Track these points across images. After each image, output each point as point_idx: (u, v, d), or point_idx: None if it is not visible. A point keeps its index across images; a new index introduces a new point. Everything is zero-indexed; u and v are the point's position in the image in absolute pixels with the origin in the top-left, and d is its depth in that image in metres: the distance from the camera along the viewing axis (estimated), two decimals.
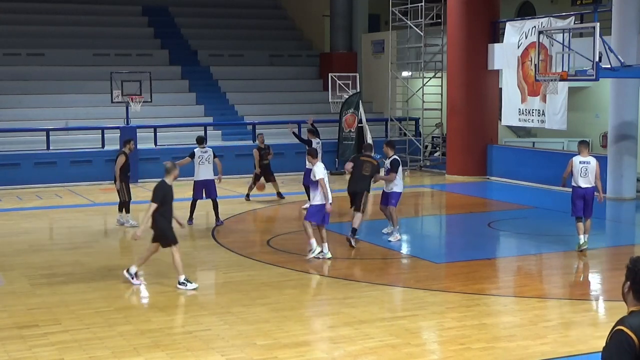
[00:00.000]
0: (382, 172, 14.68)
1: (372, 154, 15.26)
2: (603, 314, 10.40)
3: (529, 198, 20.23)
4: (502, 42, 23.01)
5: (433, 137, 28.16)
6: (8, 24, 28.69)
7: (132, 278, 11.40)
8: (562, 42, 16.31)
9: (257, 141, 20.22)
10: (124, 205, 16.12)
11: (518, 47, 21.92)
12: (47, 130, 23.46)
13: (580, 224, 13.54)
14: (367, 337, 9.02)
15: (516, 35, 22.15)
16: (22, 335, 9.14)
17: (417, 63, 27.24)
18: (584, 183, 13.46)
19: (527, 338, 9.02)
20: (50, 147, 23.26)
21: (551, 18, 20.89)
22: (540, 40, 17.03)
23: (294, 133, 19.62)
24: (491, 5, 23.84)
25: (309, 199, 18.12)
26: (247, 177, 22.88)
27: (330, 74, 26.79)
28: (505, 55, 22.73)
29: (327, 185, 12.80)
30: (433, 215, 19.44)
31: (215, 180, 16.30)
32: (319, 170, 12.79)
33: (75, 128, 24.75)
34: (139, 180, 22.01)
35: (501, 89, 23.41)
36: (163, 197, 11.16)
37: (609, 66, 15.96)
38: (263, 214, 18.24)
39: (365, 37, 30.91)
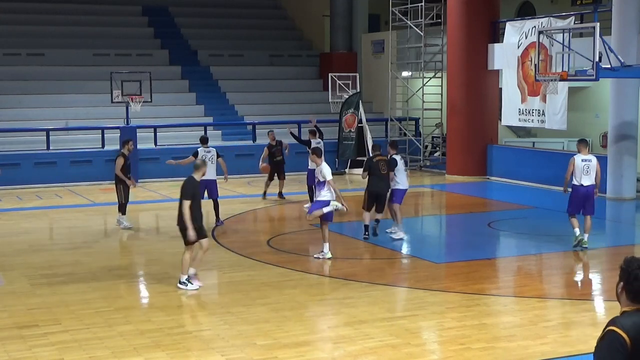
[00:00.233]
0: None
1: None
2: (603, 314, 10.39)
3: (529, 198, 20.23)
4: (502, 42, 23.01)
5: (433, 137, 28.16)
6: (8, 24, 28.68)
7: (188, 284, 11.18)
8: (562, 42, 16.31)
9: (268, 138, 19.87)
10: (122, 206, 16.07)
11: (518, 47, 21.93)
12: (47, 130, 23.46)
13: (574, 220, 13.67)
14: (367, 337, 9.02)
15: (516, 35, 22.15)
16: (22, 335, 9.14)
17: (417, 63, 27.24)
18: (586, 181, 13.53)
19: (527, 338, 9.02)
20: (50, 147, 23.26)
21: (551, 18, 20.90)
22: (540, 40, 17.03)
23: (292, 134, 19.58)
24: (491, 5, 23.85)
25: (311, 200, 18.19)
26: (247, 177, 22.92)
27: (330, 74, 26.80)
28: (505, 55, 22.74)
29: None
30: (433, 215, 19.44)
31: (222, 180, 16.29)
32: (328, 171, 12.75)
33: (75, 128, 24.75)
34: (139, 180, 21.99)
35: (501, 89, 23.41)
36: (192, 194, 11.13)
37: (609, 66, 15.96)
38: (263, 214, 18.24)
39: (365, 37, 30.92)
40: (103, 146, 23.67)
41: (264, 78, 29.81)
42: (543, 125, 21.53)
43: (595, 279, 12.66)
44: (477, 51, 23.50)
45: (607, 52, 15.93)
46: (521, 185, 22.27)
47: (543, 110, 21.27)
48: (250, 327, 9.46)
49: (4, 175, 21.68)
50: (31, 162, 22.64)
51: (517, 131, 27.98)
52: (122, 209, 16.06)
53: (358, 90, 26.53)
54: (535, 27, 20.23)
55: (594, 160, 13.63)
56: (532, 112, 21.70)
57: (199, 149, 16.25)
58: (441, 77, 26.38)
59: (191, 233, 10.99)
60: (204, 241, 11.22)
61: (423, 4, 25.74)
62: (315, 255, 13.05)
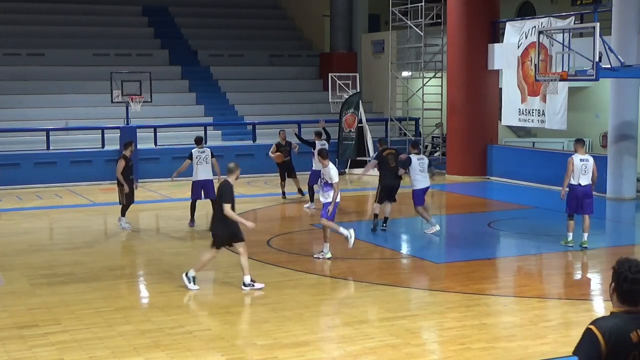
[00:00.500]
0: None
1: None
2: (603, 314, 10.38)
3: (529, 198, 20.23)
4: (502, 42, 23.01)
5: (433, 137, 28.15)
6: (8, 24, 28.68)
7: (252, 286, 11.11)
8: (562, 42, 16.30)
9: (278, 138, 19.79)
10: (122, 208, 16.03)
11: (518, 47, 21.92)
12: (47, 130, 23.46)
13: (571, 222, 13.77)
14: (367, 337, 9.02)
15: (516, 35, 22.15)
16: (22, 335, 9.14)
17: (417, 63, 27.23)
18: (584, 181, 13.60)
19: (527, 338, 9.02)
20: (50, 147, 23.26)
21: (551, 18, 20.89)
22: (540, 40, 17.02)
23: (297, 135, 19.67)
24: (491, 5, 23.85)
25: (312, 200, 18.21)
26: (247, 177, 22.89)
27: (330, 74, 26.80)
28: (505, 55, 22.73)
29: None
30: (433, 215, 19.31)
31: (215, 181, 16.29)
32: (335, 173, 12.72)
33: (75, 128, 24.75)
34: (139, 180, 21.95)
35: (501, 89, 23.41)
36: (231, 197, 11.12)
37: (609, 66, 15.95)
38: (263, 214, 18.23)
39: (365, 37, 30.91)
40: (103, 146, 23.67)
41: (264, 78, 29.81)
42: (543, 125, 21.53)
43: (595, 279, 12.66)
44: (477, 51, 23.49)
45: (607, 52, 15.93)
46: (521, 185, 22.26)
47: (543, 110, 21.27)
48: (250, 327, 9.46)
49: (4, 175, 21.71)
50: (31, 162, 22.64)
51: (517, 131, 27.97)
52: (122, 210, 16.01)
53: (358, 90, 26.53)
54: (535, 27, 20.23)
55: (591, 159, 13.75)
56: (532, 112, 21.69)
57: (193, 150, 16.22)
58: (441, 77, 26.37)
59: (248, 224, 11.21)
60: (213, 250, 11.21)
61: (423, 4, 25.73)
62: (315, 255, 13.05)
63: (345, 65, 29.13)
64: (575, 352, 4.11)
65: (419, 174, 15.04)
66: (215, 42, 31.02)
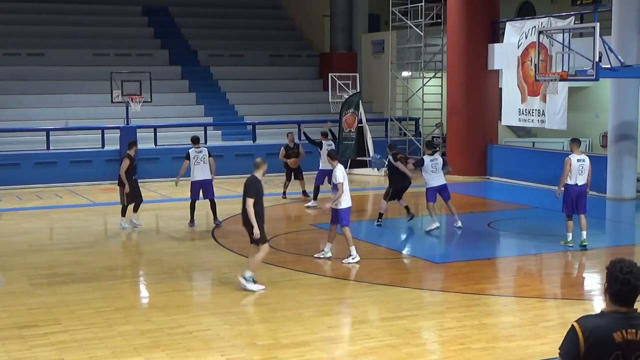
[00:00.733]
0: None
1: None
2: None
3: (529, 198, 20.23)
4: (502, 42, 23.01)
5: (433, 137, 28.12)
6: (8, 24, 28.67)
7: (254, 284, 11.08)
8: (562, 42, 16.30)
9: (286, 139, 19.74)
10: (123, 208, 16.02)
11: (518, 47, 21.92)
12: (47, 130, 23.46)
13: (571, 222, 13.80)
14: (367, 337, 9.02)
15: (516, 35, 22.14)
16: (22, 335, 9.14)
17: (417, 63, 27.23)
18: (580, 181, 13.68)
19: (527, 338, 9.02)
20: (50, 147, 23.26)
21: (551, 18, 20.89)
22: (540, 40, 17.02)
23: (305, 134, 19.75)
24: (491, 5, 23.85)
25: (315, 199, 18.27)
26: (247, 177, 22.86)
27: (330, 74, 26.79)
28: (505, 55, 22.73)
29: (345, 189, 12.67)
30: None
31: (218, 180, 16.28)
32: (340, 174, 12.69)
33: (75, 128, 24.74)
34: (139, 180, 21.95)
35: (501, 89, 23.41)
36: (256, 192, 11.11)
37: (609, 66, 15.95)
38: None
39: (365, 37, 30.91)
40: (103, 146, 23.67)
41: (264, 78, 29.80)
42: (543, 125, 21.53)
43: (595, 279, 12.64)
44: (477, 51, 23.50)
45: (607, 52, 15.93)
46: (521, 185, 22.26)
47: (543, 110, 21.27)
48: (250, 327, 9.46)
49: (4, 175, 21.72)
50: (31, 162, 22.64)
51: (517, 131, 27.97)
52: (122, 210, 16.02)
53: (358, 90, 26.52)
54: (535, 27, 20.23)
55: (587, 159, 13.81)
56: (532, 112, 21.69)
57: (190, 150, 16.20)
58: (441, 77, 26.38)
59: (256, 231, 10.98)
60: (265, 246, 11.14)
61: (423, 4, 25.73)
62: (315, 255, 13.06)
63: (345, 65, 29.12)
64: (560, 347, 4.25)
65: (430, 174, 15.39)
66: (215, 42, 31.01)
